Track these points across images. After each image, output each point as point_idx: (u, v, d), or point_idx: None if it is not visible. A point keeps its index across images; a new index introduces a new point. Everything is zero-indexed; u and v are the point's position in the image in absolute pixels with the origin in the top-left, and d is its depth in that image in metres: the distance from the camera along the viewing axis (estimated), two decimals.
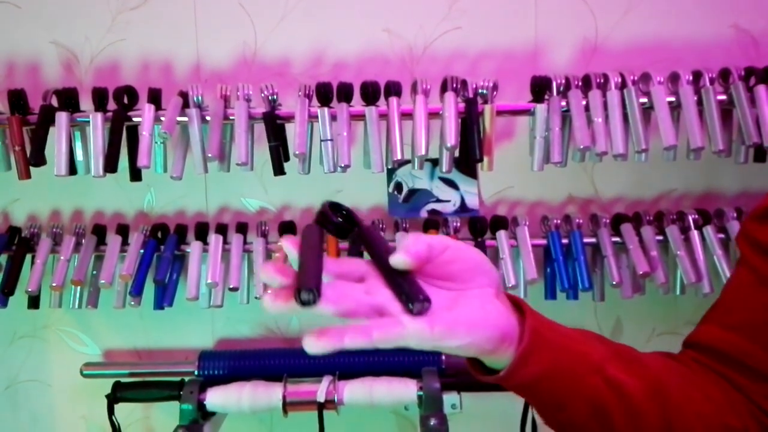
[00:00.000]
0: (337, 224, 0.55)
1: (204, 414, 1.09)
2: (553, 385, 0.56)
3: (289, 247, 0.53)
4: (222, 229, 1.12)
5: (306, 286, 0.47)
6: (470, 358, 0.57)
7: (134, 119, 1.00)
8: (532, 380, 0.56)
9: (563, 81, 0.98)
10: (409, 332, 0.49)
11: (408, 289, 0.51)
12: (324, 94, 0.99)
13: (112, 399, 1.12)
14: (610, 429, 0.57)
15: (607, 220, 1.09)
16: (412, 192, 1.14)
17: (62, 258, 1.08)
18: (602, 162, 0.98)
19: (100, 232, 1.13)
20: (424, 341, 0.49)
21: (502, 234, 1.08)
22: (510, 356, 0.54)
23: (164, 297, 1.11)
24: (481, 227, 1.10)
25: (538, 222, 1.13)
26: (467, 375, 1.11)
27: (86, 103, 1.02)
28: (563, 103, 0.97)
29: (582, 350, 0.57)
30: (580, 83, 0.98)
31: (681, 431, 0.57)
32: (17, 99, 1.01)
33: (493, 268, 0.56)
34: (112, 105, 1.01)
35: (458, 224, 1.10)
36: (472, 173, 1.13)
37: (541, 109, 0.97)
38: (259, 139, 1.03)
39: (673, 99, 0.96)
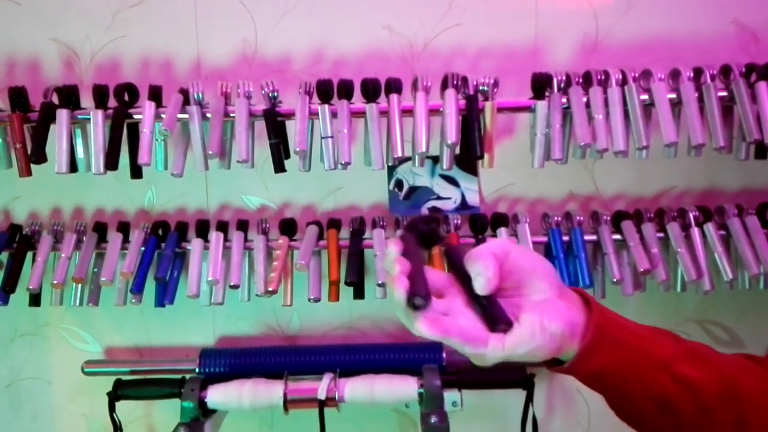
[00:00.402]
0: (424, 232, 0.59)
1: (205, 411, 1.09)
2: (618, 379, 0.58)
3: (395, 251, 0.57)
4: (223, 227, 1.12)
5: (420, 293, 0.53)
6: None
7: (135, 116, 1.00)
8: (596, 373, 0.58)
9: (564, 78, 0.98)
10: (488, 351, 0.55)
11: (492, 312, 0.56)
12: (324, 91, 0.99)
13: (113, 396, 1.13)
14: (680, 423, 0.59)
15: (608, 218, 1.09)
16: (413, 189, 1.14)
17: (63, 256, 1.08)
18: (603, 159, 0.98)
19: (101, 229, 1.13)
20: (498, 356, 0.55)
21: (502, 231, 1.08)
22: (575, 350, 0.57)
23: (165, 294, 1.11)
24: (481, 224, 1.10)
25: (539, 219, 1.13)
26: (468, 372, 1.13)
27: (87, 100, 1.02)
28: (564, 100, 0.97)
29: (648, 347, 0.59)
30: (580, 80, 0.98)
31: (757, 428, 0.58)
32: (18, 96, 1.01)
33: (551, 269, 0.58)
34: (112, 102, 1.01)
35: (459, 221, 1.11)
36: (472, 170, 1.13)
37: (541, 106, 0.97)
38: (259, 137, 1.03)
39: (673, 96, 0.96)
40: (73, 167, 1.01)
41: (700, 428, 0.58)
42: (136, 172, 1.03)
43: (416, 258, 0.56)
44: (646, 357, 0.58)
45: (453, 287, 0.59)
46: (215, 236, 1.10)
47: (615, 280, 1.05)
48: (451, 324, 0.55)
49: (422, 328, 0.53)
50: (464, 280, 0.58)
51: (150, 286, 1.10)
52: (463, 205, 1.14)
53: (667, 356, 0.59)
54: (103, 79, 1.04)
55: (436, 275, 0.59)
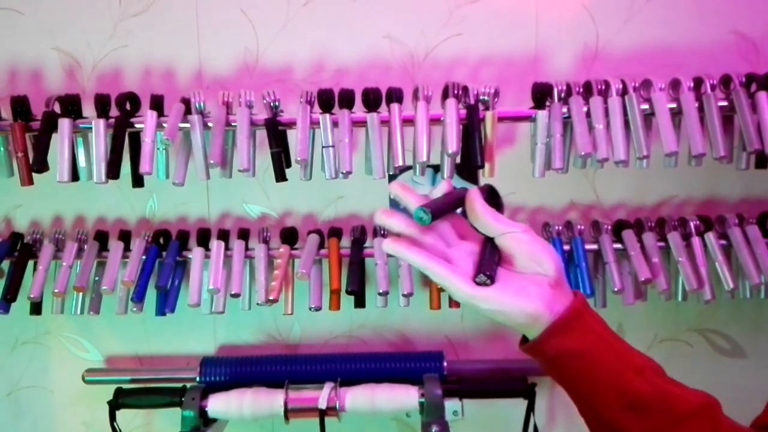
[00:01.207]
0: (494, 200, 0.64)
1: (206, 420, 1.09)
2: (587, 367, 0.59)
3: (398, 189, 0.64)
4: (224, 235, 1.12)
5: (427, 209, 0.58)
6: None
7: (136, 126, 1.00)
8: (563, 354, 0.59)
9: (564, 87, 0.98)
10: (454, 281, 0.58)
11: (486, 262, 0.60)
12: (326, 100, 0.99)
13: (114, 405, 1.13)
14: (649, 425, 0.58)
15: (609, 227, 1.09)
16: None
17: (64, 264, 1.08)
18: (603, 168, 0.98)
19: (102, 238, 1.13)
20: (461, 295, 0.58)
21: None
22: (543, 328, 0.59)
23: (166, 303, 1.11)
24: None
25: (540, 228, 1.13)
26: (469, 382, 1.12)
27: (89, 109, 1.03)
28: (564, 110, 0.98)
29: (626, 351, 0.60)
30: (581, 90, 0.98)
31: None
32: (20, 105, 1.01)
33: (558, 263, 0.60)
34: (114, 111, 1.01)
35: None
36: (473, 179, 1.13)
37: (542, 115, 0.97)
38: (260, 146, 1.03)
39: (674, 105, 0.96)
40: (74, 176, 1.01)
41: None
42: (138, 180, 1.03)
43: (452, 198, 0.62)
44: (620, 356, 0.59)
45: (476, 241, 0.63)
46: (216, 245, 1.10)
47: (616, 289, 1.05)
48: (413, 248, 0.59)
49: (387, 245, 0.60)
50: (489, 239, 0.62)
51: (151, 295, 1.10)
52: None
53: (642, 364, 0.59)
54: (104, 89, 1.04)
55: (467, 226, 0.64)
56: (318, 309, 1.08)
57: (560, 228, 1.10)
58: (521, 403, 1.12)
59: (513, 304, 0.58)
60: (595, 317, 0.61)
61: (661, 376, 0.59)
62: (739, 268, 1.04)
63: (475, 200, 0.61)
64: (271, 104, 0.99)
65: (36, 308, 1.11)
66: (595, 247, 1.08)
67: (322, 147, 0.98)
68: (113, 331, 1.23)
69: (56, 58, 1.14)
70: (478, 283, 0.58)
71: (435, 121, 0.97)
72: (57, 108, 1.01)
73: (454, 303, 1.07)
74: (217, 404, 1.08)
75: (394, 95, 0.99)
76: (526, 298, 0.58)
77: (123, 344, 1.24)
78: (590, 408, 0.60)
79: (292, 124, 1.00)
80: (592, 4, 1.11)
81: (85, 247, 1.11)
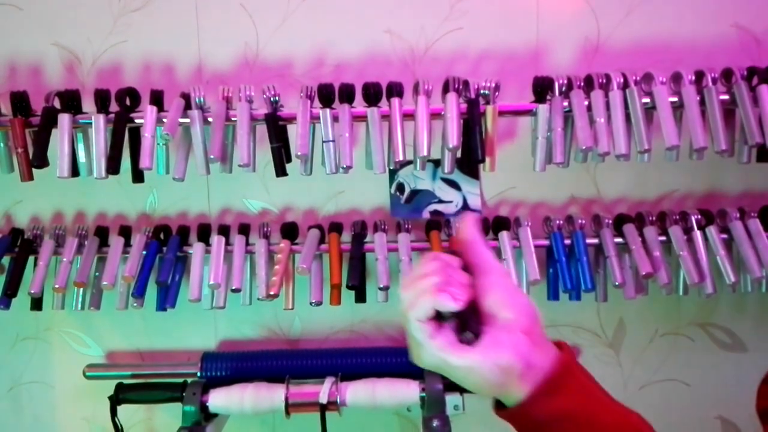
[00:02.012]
0: None
1: (206, 415, 1.09)
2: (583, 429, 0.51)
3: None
4: (224, 231, 1.12)
5: (472, 331, 0.53)
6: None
7: (136, 121, 1.00)
8: (555, 418, 0.51)
9: (565, 81, 0.98)
10: (431, 341, 0.52)
11: (471, 319, 0.53)
12: (326, 95, 0.99)
13: (115, 400, 1.13)
14: None
15: (610, 221, 1.09)
16: (414, 193, 1.14)
17: (65, 260, 1.08)
18: (604, 162, 0.98)
19: (102, 233, 1.13)
20: (433, 352, 0.52)
21: (504, 235, 1.08)
22: (526, 391, 0.51)
23: (167, 298, 1.11)
24: (483, 228, 1.10)
25: (541, 223, 1.13)
26: None
27: (88, 104, 1.02)
28: (565, 104, 0.97)
29: (621, 411, 0.52)
30: (582, 83, 0.98)
31: None
32: (20, 101, 1.01)
33: (530, 310, 0.52)
34: (114, 107, 1.01)
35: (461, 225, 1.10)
36: (474, 174, 1.13)
37: (543, 109, 0.97)
38: (261, 141, 1.03)
39: (675, 99, 0.96)
40: (74, 171, 1.01)
41: None
42: (138, 176, 1.03)
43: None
44: (618, 415, 0.52)
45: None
46: (217, 240, 1.10)
47: (617, 283, 1.04)
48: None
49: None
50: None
51: (152, 290, 1.10)
52: (465, 208, 1.14)
53: (641, 426, 0.52)
54: (104, 84, 1.04)
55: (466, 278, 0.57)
56: (319, 304, 1.08)
57: (561, 222, 1.09)
58: None
59: (484, 358, 0.50)
60: (584, 372, 0.54)
61: None
62: (741, 261, 1.04)
63: (470, 223, 0.56)
64: (271, 99, 0.99)
65: (37, 304, 1.11)
66: (596, 241, 1.08)
67: (323, 142, 0.98)
68: (114, 326, 1.23)
69: (56, 54, 1.14)
70: (462, 341, 0.52)
71: (435, 115, 0.97)
72: (57, 103, 1.01)
73: None
74: (218, 399, 1.08)
75: (395, 90, 0.98)
76: (497, 349, 0.50)
77: (124, 339, 1.24)
78: None
79: (292, 119, 0.99)
80: None
81: (86, 242, 1.11)
